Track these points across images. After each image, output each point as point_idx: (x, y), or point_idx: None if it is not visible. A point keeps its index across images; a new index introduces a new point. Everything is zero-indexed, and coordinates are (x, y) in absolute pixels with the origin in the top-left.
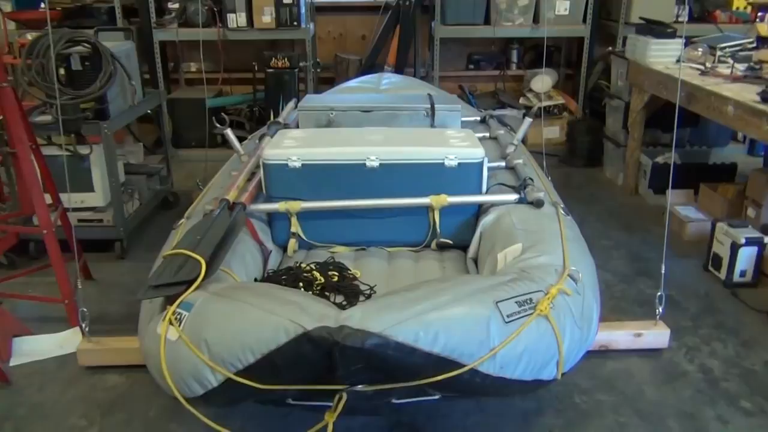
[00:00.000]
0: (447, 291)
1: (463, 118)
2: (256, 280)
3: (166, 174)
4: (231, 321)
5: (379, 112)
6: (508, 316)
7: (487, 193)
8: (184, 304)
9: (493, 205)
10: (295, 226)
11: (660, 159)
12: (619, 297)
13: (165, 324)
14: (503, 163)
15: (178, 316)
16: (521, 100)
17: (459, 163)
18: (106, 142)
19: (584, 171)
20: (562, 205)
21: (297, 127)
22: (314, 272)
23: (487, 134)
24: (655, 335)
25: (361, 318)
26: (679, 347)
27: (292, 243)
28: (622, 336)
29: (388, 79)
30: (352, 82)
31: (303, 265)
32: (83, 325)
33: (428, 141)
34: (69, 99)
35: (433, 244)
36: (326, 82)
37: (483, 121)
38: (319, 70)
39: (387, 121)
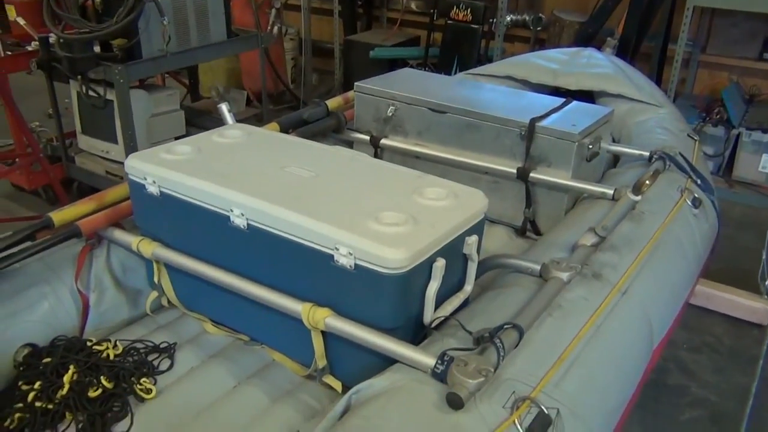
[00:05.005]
0: None
1: (618, 148)
2: (32, 348)
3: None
4: None
5: (454, 116)
6: None
7: (423, 336)
8: None
9: (399, 360)
10: (159, 276)
11: None
12: None
13: None
14: (537, 267)
15: None
16: None
17: (357, 265)
18: (118, 89)
19: None
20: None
21: None
22: (71, 371)
23: (611, 192)
24: None
25: None
26: None
27: (152, 297)
28: None
29: (587, 58)
30: (535, 55)
31: (103, 346)
32: None
33: (340, 205)
34: (87, 33)
35: (319, 378)
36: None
37: (650, 160)
38: (539, 29)
39: (463, 132)
